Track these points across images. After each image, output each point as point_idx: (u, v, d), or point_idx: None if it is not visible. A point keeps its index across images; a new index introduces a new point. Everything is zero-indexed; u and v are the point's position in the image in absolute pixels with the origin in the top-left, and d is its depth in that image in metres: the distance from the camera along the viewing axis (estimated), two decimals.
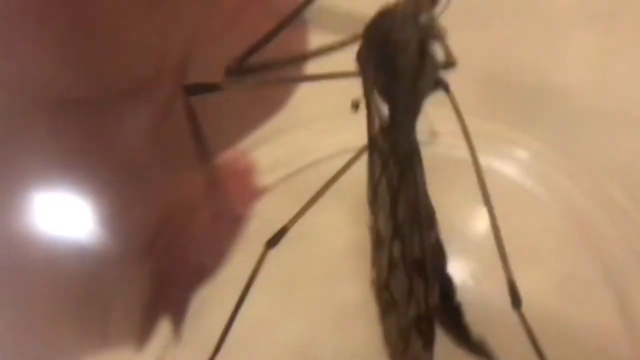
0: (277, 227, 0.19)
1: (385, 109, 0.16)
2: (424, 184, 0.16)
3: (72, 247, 0.16)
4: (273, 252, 0.18)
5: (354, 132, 0.18)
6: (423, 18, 0.15)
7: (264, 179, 0.22)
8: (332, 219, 0.21)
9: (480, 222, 0.24)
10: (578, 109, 0.24)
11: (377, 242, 0.17)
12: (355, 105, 0.16)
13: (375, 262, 0.18)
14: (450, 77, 0.17)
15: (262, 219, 0.21)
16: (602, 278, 0.22)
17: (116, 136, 0.16)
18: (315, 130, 0.23)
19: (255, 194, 0.22)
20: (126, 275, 0.18)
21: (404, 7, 0.15)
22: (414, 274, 0.17)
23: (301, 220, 0.18)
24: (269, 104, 0.19)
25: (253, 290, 0.17)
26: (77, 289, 0.16)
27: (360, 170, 0.18)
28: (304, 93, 0.19)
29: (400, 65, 0.15)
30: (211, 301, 0.20)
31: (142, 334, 0.19)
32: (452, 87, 0.17)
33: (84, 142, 0.15)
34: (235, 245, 0.20)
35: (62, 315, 0.16)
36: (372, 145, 0.16)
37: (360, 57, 0.15)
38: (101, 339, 0.17)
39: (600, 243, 0.23)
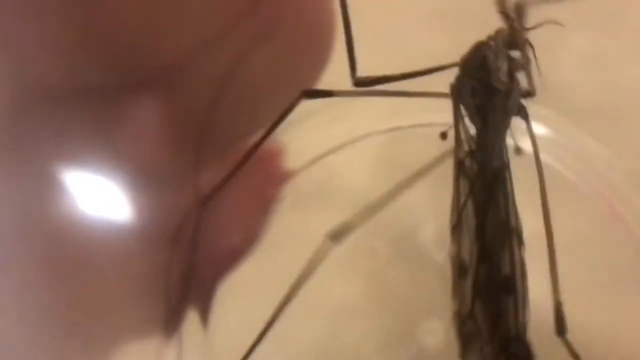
0: (305, 212, 0.18)
1: (472, 133, 0.18)
2: (513, 197, 0.18)
3: (97, 236, 0.16)
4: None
5: (387, 113, 0.18)
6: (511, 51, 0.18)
7: (293, 162, 0.22)
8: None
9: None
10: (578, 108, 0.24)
11: (460, 271, 0.18)
12: (443, 135, 0.18)
13: (456, 292, 0.18)
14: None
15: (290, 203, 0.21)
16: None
17: (137, 123, 0.16)
18: (348, 113, 0.23)
19: (285, 176, 0.21)
20: (153, 263, 0.17)
21: (496, 41, 0.18)
22: (502, 294, 0.17)
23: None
24: (297, 87, 0.19)
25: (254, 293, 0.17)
26: (105, 277, 0.16)
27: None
28: (335, 75, 0.18)
29: (495, 88, 0.18)
30: (238, 290, 0.20)
31: (170, 324, 0.18)
32: None
33: (103, 129, 0.15)
34: (264, 228, 0.20)
35: (90, 303, 0.16)
36: (459, 170, 0.18)
37: (456, 86, 0.18)
38: (129, 328, 0.17)
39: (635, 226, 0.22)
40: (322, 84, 0.18)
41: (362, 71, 0.17)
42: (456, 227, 0.18)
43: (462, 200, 0.18)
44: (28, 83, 0.14)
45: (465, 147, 0.18)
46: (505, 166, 0.18)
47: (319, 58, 0.17)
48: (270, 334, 0.18)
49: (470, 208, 0.18)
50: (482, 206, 0.18)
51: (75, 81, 0.14)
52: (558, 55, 0.23)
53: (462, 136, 0.18)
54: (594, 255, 0.22)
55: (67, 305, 0.15)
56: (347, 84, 0.17)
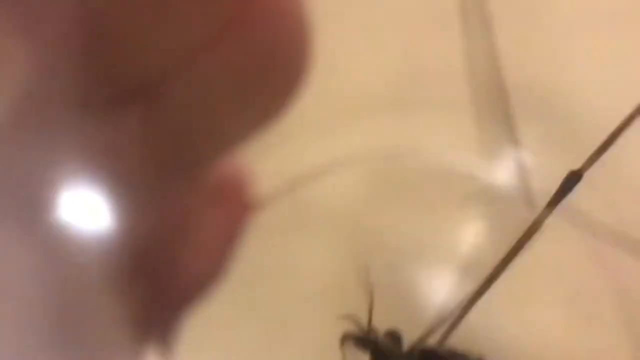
0: (277, 243, 0.18)
1: None
2: None
3: (59, 259, 0.15)
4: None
5: (364, 138, 0.17)
6: None
7: (262, 190, 0.21)
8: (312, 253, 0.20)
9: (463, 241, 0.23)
10: (584, 113, 0.24)
11: None
12: None
13: None
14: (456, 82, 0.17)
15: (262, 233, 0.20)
16: (614, 304, 0.21)
17: (113, 141, 0.15)
18: (321, 138, 0.22)
19: (252, 207, 0.20)
20: (114, 291, 0.16)
21: None
22: None
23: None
24: (267, 108, 0.18)
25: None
26: (60, 307, 0.15)
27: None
28: (310, 96, 0.18)
29: None
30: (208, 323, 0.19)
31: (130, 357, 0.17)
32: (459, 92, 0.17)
33: (87, 140, 0.14)
34: (230, 260, 0.19)
35: (44, 334, 0.15)
36: None
37: None
38: None
39: (613, 267, 0.22)
40: (302, 104, 0.17)
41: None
42: None
43: None
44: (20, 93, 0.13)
45: None
46: None
47: (290, 73, 0.16)
48: None
49: None
50: None
51: (68, 89, 0.13)
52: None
53: None
54: (562, 287, 0.22)
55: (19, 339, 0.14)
56: (328, 105, 0.17)
